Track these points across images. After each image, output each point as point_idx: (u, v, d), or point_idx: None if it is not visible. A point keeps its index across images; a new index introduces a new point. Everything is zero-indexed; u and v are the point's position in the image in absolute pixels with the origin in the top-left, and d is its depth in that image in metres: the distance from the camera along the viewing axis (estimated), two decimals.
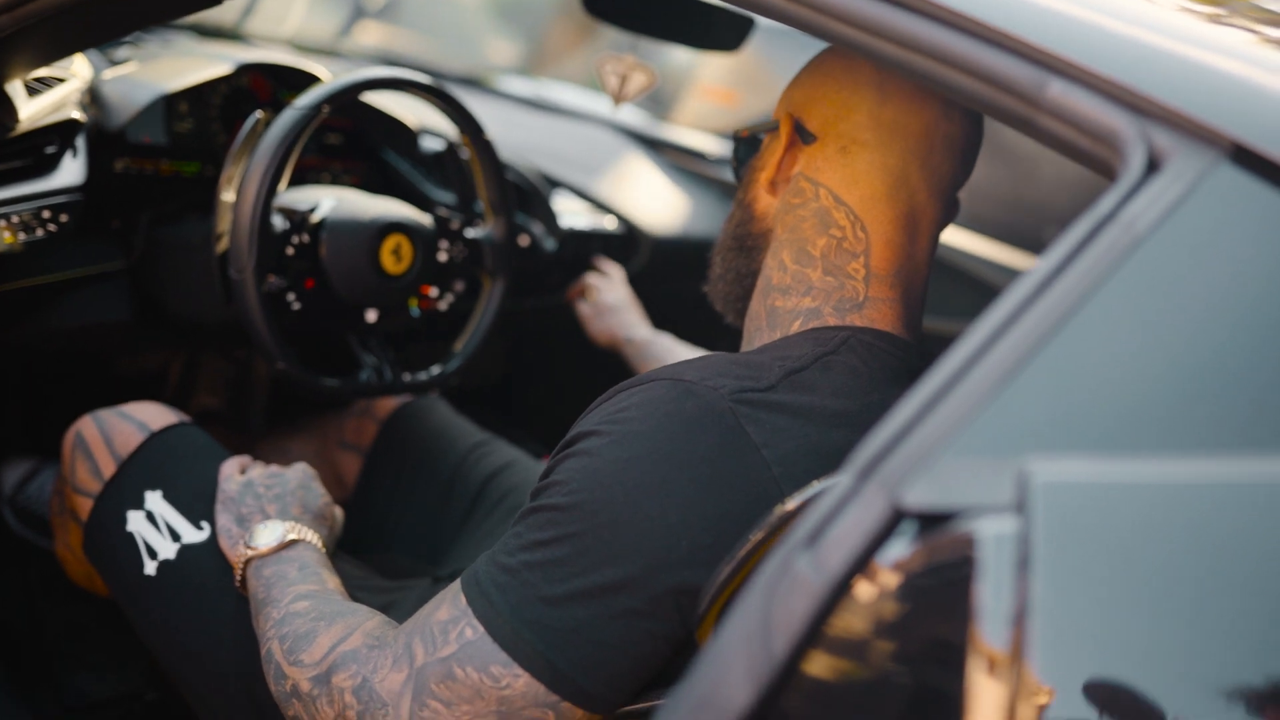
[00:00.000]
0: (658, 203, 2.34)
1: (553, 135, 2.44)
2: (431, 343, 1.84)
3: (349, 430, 1.83)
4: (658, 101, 4.39)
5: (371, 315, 1.63)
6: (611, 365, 2.60)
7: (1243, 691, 0.58)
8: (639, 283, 2.27)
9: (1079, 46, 0.76)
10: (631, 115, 3.06)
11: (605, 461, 0.99)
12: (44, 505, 1.85)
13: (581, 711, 0.99)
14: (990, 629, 0.61)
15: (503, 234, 1.72)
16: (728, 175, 2.51)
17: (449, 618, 1.02)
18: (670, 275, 2.32)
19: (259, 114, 1.49)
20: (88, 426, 1.45)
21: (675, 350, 1.89)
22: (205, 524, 1.35)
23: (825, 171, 1.14)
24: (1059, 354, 0.67)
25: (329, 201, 1.57)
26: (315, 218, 1.53)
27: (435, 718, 1.00)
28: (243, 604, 1.27)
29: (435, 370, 1.67)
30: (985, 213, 1.13)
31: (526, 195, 2.09)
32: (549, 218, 2.07)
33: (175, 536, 1.34)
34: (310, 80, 1.79)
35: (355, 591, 1.30)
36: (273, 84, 1.78)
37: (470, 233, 1.71)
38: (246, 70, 1.72)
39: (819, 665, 0.66)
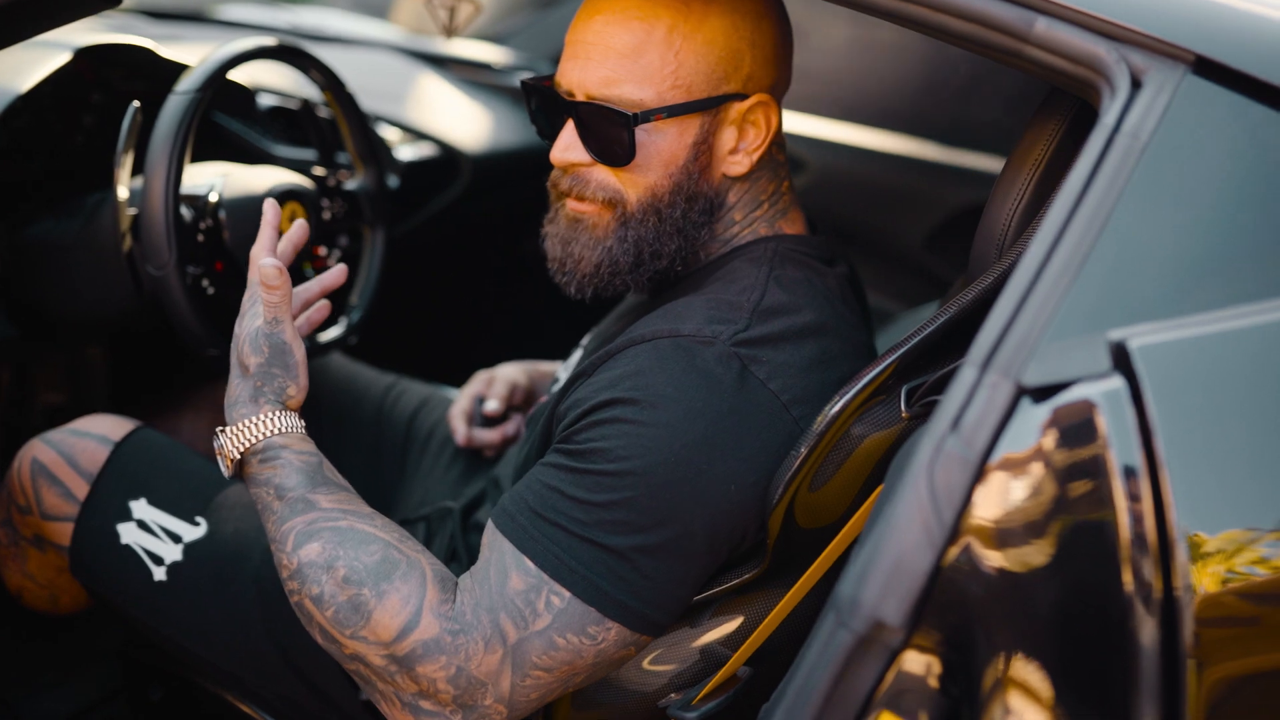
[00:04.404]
0: (464, 121, 2.39)
1: (343, 66, 2.41)
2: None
3: None
4: (372, 7, 4.31)
5: None
6: (456, 296, 2.66)
7: None
8: (464, 204, 2.33)
9: None
10: (375, 28, 3.03)
11: (646, 427, 1.08)
12: None
13: (653, 637, 1.13)
14: (1122, 450, 0.80)
15: (375, 183, 1.76)
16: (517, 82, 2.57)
17: (527, 586, 1.08)
18: (491, 190, 2.39)
19: (135, 104, 1.46)
20: (42, 451, 1.41)
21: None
22: (200, 519, 1.37)
23: (776, 128, 1.27)
24: (1108, 247, 0.86)
25: (217, 180, 1.55)
26: (213, 199, 1.52)
27: (539, 683, 1.10)
28: (264, 583, 1.32)
29: (342, 324, 1.71)
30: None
31: None
32: (386, 154, 2.09)
33: (175, 539, 1.35)
34: (132, 52, 1.72)
35: None
36: (94, 63, 1.71)
37: (348, 186, 1.74)
38: (77, 55, 1.64)
39: (983, 524, 0.84)
